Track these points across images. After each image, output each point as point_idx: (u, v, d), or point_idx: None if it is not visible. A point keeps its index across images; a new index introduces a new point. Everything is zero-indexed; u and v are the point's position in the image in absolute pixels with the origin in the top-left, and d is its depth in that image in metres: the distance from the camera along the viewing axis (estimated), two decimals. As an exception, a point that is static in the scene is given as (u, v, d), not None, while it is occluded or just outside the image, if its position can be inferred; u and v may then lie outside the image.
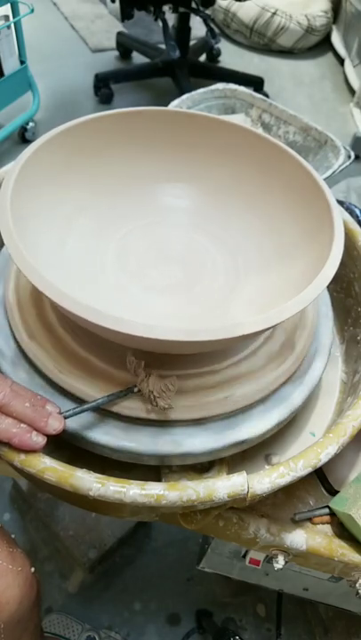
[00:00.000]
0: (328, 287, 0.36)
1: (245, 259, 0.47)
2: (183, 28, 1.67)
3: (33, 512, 0.85)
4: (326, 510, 0.44)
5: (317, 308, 0.48)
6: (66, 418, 0.36)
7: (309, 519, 0.44)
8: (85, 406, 0.36)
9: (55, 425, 0.35)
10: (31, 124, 1.52)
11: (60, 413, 0.36)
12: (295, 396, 0.42)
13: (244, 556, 0.50)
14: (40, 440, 0.34)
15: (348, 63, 1.97)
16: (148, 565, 0.85)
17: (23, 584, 0.38)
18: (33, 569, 0.40)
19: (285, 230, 0.45)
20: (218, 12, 2.13)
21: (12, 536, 0.40)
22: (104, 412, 0.38)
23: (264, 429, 0.39)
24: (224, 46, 2.09)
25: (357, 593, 0.44)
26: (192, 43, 1.79)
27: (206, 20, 1.60)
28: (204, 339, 0.31)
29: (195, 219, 0.50)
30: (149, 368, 0.38)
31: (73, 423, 0.37)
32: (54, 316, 0.42)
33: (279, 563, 0.43)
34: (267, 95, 1.73)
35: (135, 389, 0.37)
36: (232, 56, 2.09)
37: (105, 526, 0.81)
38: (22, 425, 0.34)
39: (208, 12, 1.83)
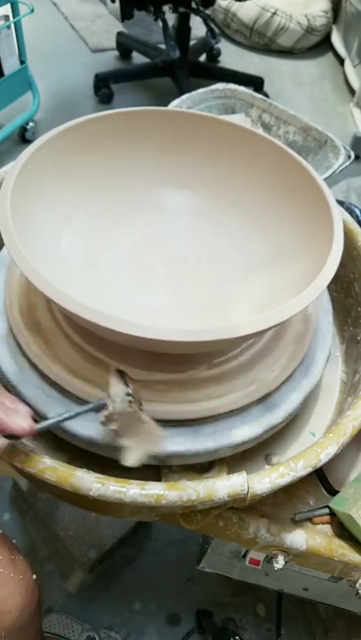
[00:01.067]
0: (328, 287, 0.36)
1: (245, 258, 0.47)
2: (183, 28, 1.66)
3: (33, 512, 0.85)
4: (326, 510, 0.44)
5: (318, 307, 0.48)
6: (39, 430, 0.33)
7: (309, 519, 0.44)
8: (55, 420, 0.34)
9: (22, 425, 0.32)
10: (31, 124, 1.52)
11: (36, 420, 0.34)
12: (295, 396, 0.42)
13: (244, 556, 0.50)
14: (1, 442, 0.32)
15: (348, 63, 1.97)
16: (148, 565, 0.85)
17: (25, 592, 0.38)
18: (35, 576, 0.40)
19: (285, 230, 0.45)
20: (218, 12, 2.13)
21: (14, 541, 0.40)
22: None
23: (263, 429, 0.39)
24: (224, 46, 2.09)
25: (357, 593, 0.44)
26: (192, 43, 1.79)
27: (206, 19, 1.59)
28: (203, 339, 0.31)
29: (194, 218, 0.50)
30: (149, 364, 0.38)
31: (74, 422, 0.37)
32: (56, 312, 0.42)
33: (279, 563, 0.43)
34: (267, 95, 1.73)
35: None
36: (232, 56, 2.08)
37: (105, 526, 0.81)
38: None
39: (208, 12, 1.83)
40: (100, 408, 0.34)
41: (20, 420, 0.32)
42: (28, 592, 0.38)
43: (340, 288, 0.56)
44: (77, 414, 0.34)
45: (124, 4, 1.52)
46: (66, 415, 0.34)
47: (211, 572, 0.57)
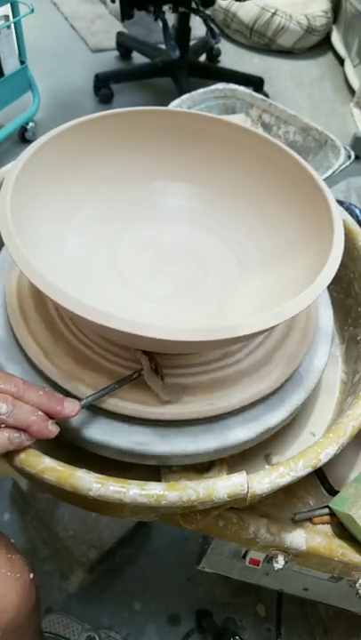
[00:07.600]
0: (328, 287, 0.36)
1: (245, 259, 0.47)
2: (183, 28, 1.66)
3: (33, 512, 0.85)
4: (326, 510, 0.44)
5: (317, 308, 0.48)
6: (83, 407, 0.36)
7: (309, 519, 0.44)
8: (98, 393, 0.36)
9: (71, 406, 0.34)
10: (31, 124, 1.52)
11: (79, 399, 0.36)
12: (295, 397, 0.42)
13: (244, 556, 0.50)
14: (55, 429, 0.34)
15: (348, 63, 1.97)
16: (148, 565, 0.85)
17: (22, 591, 0.38)
18: (32, 575, 0.40)
19: (285, 230, 0.45)
20: (218, 12, 2.13)
21: (12, 540, 0.40)
22: (105, 412, 0.38)
23: (263, 430, 0.39)
24: (224, 46, 2.09)
25: (357, 593, 0.44)
26: (192, 43, 1.79)
27: (206, 19, 1.59)
28: (203, 339, 0.31)
29: (194, 218, 0.50)
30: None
31: (74, 422, 0.37)
32: (56, 311, 0.42)
33: (279, 563, 0.43)
34: (267, 95, 1.73)
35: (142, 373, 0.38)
36: (232, 56, 2.08)
37: (105, 526, 0.81)
38: (40, 413, 0.34)
39: (208, 12, 1.82)
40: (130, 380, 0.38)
41: (73, 405, 0.35)
42: (24, 591, 0.38)
43: (340, 288, 0.56)
44: (115, 388, 0.37)
45: (124, 4, 1.52)
46: (105, 390, 0.37)
47: (211, 571, 0.57)
